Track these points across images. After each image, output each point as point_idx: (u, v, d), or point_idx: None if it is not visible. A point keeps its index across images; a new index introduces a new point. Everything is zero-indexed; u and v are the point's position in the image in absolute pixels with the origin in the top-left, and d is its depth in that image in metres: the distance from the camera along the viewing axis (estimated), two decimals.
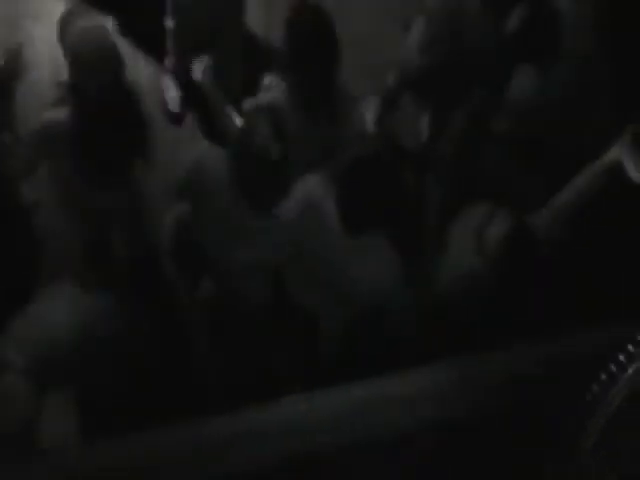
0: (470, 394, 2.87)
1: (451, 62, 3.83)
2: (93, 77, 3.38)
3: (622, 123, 3.09)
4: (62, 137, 3.38)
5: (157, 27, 4.54)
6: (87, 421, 2.92)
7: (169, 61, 4.67)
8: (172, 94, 4.68)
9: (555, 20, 3.65)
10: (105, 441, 2.75)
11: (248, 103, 3.61)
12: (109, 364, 3.02)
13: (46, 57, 4.30)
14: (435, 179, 4.15)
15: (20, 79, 3.43)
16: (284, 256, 3.35)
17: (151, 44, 4.64)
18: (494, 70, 3.80)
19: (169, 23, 4.50)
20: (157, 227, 3.84)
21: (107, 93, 3.40)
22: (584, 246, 3.51)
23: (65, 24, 3.58)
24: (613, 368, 2.26)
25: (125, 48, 4.02)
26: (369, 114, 3.88)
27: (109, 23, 3.53)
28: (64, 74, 3.55)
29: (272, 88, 3.66)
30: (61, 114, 3.42)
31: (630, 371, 2.25)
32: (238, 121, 3.53)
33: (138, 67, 4.46)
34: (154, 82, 4.64)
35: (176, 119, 4.64)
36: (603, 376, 2.27)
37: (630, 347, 2.25)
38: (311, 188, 3.32)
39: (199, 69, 3.63)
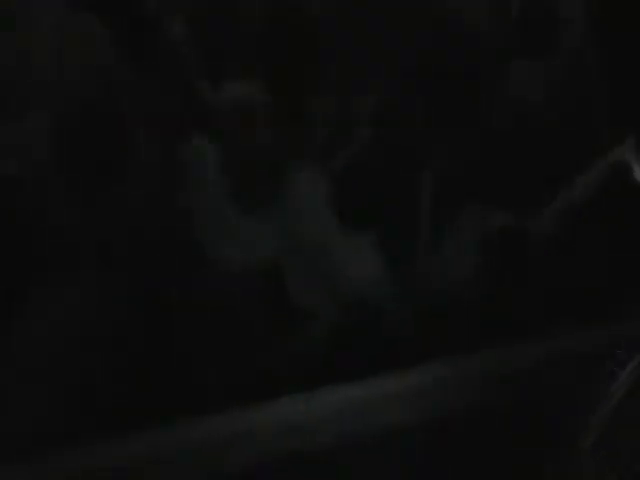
0: (470, 394, 2.87)
1: None
2: None
3: (622, 123, 3.09)
4: None
5: None
6: (87, 421, 2.92)
7: None
8: None
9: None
10: (105, 441, 2.75)
11: None
12: (108, 364, 3.01)
13: None
14: (431, 178, 4.13)
15: None
16: (281, 255, 3.34)
17: None
18: None
19: None
20: None
21: None
22: (584, 245, 3.51)
23: None
24: (613, 367, 2.26)
25: None
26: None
27: None
28: None
29: None
30: None
31: (629, 369, 2.26)
32: None
33: None
34: None
35: None
36: (603, 375, 2.27)
37: (629, 346, 2.25)
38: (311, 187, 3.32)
39: None
